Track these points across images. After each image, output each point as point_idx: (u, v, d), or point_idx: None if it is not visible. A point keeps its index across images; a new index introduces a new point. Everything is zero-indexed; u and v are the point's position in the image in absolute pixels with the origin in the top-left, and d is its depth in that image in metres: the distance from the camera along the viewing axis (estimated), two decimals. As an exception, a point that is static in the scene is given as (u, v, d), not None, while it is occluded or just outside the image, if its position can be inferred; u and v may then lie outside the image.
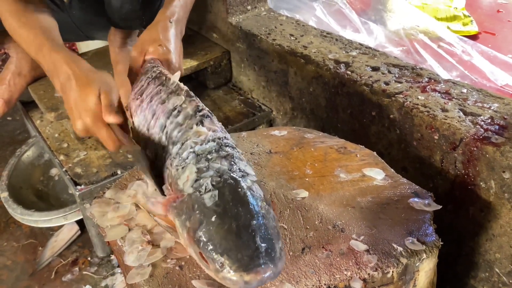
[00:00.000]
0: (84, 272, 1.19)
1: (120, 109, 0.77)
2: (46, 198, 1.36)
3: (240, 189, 0.57)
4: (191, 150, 0.62)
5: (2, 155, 1.62)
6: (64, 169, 1.17)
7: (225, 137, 0.65)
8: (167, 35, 0.89)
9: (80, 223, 1.27)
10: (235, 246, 0.52)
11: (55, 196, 1.38)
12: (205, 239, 0.54)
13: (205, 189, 0.57)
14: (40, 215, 1.22)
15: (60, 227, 1.29)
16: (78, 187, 1.12)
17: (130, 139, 0.77)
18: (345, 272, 0.62)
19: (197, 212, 0.56)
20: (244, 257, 0.51)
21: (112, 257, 1.22)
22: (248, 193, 0.57)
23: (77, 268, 1.20)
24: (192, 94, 0.73)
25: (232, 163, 0.60)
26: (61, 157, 1.21)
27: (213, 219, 0.54)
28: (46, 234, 1.31)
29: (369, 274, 0.61)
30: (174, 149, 0.65)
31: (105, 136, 0.74)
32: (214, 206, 0.55)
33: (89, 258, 1.23)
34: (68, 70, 0.77)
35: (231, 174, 0.58)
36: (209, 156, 0.61)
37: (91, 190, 1.11)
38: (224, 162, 0.60)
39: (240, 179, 0.58)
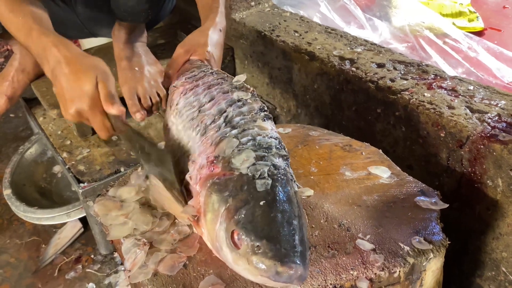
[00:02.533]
0: (87, 270, 1.19)
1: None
2: (49, 196, 1.36)
3: (290, 189, 0.59)
4: (252, 138, 0.64)
5: (5, 152, 1.62)
6: (67, 167, 1.17)
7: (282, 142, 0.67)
8: (214, 42, 0.92)
9: (83, 220, 1.27)
10: (276, 235, 0.53)
11: (58, 194, 1.38)
12: (247, 219, 0.54)
13: (260, 175, 0.58)
14: (43, 212, 1.21)
15: (63, 224, 1.29)
16: (81, 184, 1.11)
17: (125, 127, 0.77)
18: (351, 272, 0.61)
19: (245, 192, 0.57)
20: (283, 249, 0.52)
21: (115, 254, 1.22)
22: (295, 195, 0.59)
23: (80, 266, 1.20)
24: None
25: (287, 165, 0.63)
26: (64, 155, 1.21)
27: (261, 203, 0.55)
28: (49, 231, 1.30)
29: (375, 273, 0.60)
30: (233, 131, 0.66)
31: (100, 124, 0.74)
32: (265, 193, 0.56)
33: (92, 256, 1.22)
34: (58, 54, 0.76)
35: (285, 173, 0.60)
36: (268, 150, 0.62)
37: (94, 188, 1.11)
38: (281, 161, 0.62)
39: (291, 181, 0.61)
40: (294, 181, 0.62)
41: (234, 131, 0.65)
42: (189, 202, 0.64)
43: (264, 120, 0.68)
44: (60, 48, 0.76)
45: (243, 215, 0.55)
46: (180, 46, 0.92)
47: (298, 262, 0.51)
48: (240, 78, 0.78)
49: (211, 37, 0.91)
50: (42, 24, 0.82)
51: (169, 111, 0.81)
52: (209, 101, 0.73)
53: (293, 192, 0.59)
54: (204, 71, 0.83)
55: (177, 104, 0.79)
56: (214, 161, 0.63)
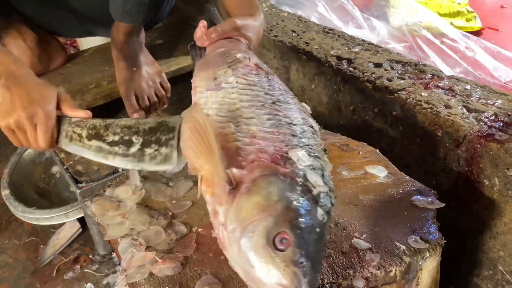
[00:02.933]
0: (86, 270, 1.19)
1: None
2: (47, 196, 1.36)
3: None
4: (321, 169, 0.60)
5: (3, 153, 1.62)
6: (65, 167, 1.17)
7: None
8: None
9: (82, 220, 1.27)
10: (318, 268, 0.53)
11: (57, 194, 1.38)
12: (304, 233, 0.52)
13: (323, 205, 0.56)
14: (42, 212, 1.21)
15: (61, 225, 1.29)
16: (79, 184, 1.11)
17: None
18: (347, 271, 0.61)
19: (308, 209, 0.54)
20: (314, 281, 0.51)
21: (114, 255, 1.22)
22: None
23: (78, 266, 1.20)
24: None
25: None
26: (62, 155, 1.21)
27: (317, 230, 0.54)
28: (48, 232, 1.30)
29: (371, 272, 0.61)
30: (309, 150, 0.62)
31: (49, 134, 0.74)
32: (322, 224, 0.55)
33: (90, 256, 1.22)
34: (15, 70, 0.75)
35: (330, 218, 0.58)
36: (330, 190, 0.59)
37: (92, 188, 1.11)
38: (330, 205, 0.59)
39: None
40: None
41: (310, 150, 0.62)
42: (234, 169, 0.57)
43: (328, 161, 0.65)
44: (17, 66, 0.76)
45: (302, 226, 0.52)
46: (235, 22, 0.88)
47: None
48: (306, 106, 0.75)
49: (260, 26, 0.92)
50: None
51: (226, 69, 0.75)
52: (284, 102, 0.69)
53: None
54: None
55: (244, 75, 0.73)
56: (284, 159, 0.58)
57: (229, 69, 0.74)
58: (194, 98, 0.75)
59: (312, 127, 0.68)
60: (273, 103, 0.67)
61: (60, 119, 0.75)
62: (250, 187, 0.55)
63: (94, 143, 0.72)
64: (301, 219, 0.53)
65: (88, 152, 0.73)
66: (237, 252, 0.53)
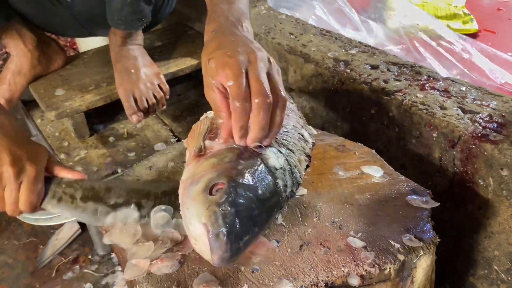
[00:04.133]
0: (85, 270, 1.20)
1: None
2: (47, 197, 1.37)
3: (279, 211, 0.65)
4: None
5: (3, 154, 1.62)
6: (64, 168, 1.17)
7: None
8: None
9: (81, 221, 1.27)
10: (243, 222, 0.56)
11: (56, 195, 1.38)
12: (239, 191, 0.56)
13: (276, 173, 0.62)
14: (41, 213, 1.21)
15: (61, 225, 1.30)
16: (79, 185, 1.12)
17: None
18: (342, 269, 0.62)
19: (255, 176, 0.59)
20: (235, 232, 0.55)
21: (113, 255, 1.22)
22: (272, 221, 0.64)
23: (77, 266, 1.21)
24: None
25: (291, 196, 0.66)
26: (62, 156, 1.22)
27: (258, 194, 0.58)
28: (47, 232, 1.31)
29: (366, 270, 0.62)
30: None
31: (36, 194, 0.66)
32: (266, 192, 0.59)
33: (89, 256, 1.23)
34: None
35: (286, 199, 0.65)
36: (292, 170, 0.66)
37: (91, 189, 1.12)
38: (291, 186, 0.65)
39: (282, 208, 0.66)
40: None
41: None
42: (206, 142, 0.65)
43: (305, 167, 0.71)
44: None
45: (239, 181, 0.57)
46: None
47: (231, 250, 0.53)
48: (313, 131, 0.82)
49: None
50: None
51: None
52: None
53: (276, 216, 0.64)
54: None
55: None
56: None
57: None
58: None
59: (302, 135, 0.74)
60: None
61: (47, 180, 0.69)
62: (213, 153, 0.62)
63: (90, 205, 0.68)
64: (241, 177, 0.57)
65: (79, 214, 0.69)
66: (182, 200, 0.58)
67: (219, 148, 0.64)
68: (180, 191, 0.60)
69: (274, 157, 0.63)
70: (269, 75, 0.62)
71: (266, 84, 0.60)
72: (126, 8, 1.09)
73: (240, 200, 0.56)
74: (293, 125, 0.75)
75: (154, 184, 0.71)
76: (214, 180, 0.57)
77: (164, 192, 0.69)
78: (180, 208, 0.59)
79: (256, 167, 0.60)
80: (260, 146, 0.62)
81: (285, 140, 0.69)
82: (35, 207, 0.68)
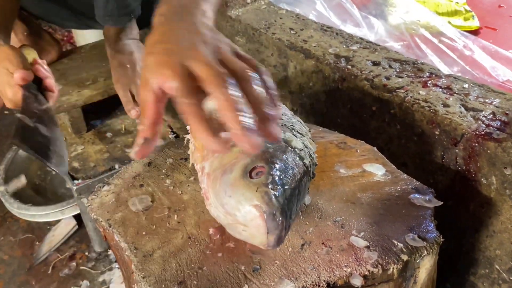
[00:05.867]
0: (82, 267, 1.18)
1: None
2: (43, 193, 1.35)
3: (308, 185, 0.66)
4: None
5: (-1, 149, 1.61)
6: (61, 163, 1.16)
7: None
8: None
9: (78, 218, 1.26)
10: (290, 199, 0.56)
11: (52, 191, 1.37)
12: (277, 171, 0.57)
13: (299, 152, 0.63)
14: (37, 209, 1.21)
15: (57, 221, 1.28)
16: (75, 181, 1.11)
17: None
18: (344, 269, 0.61)
19: (288, 160, 0.60)
20: (287, 209, 0.55)
21: (110, 252, 1.21)
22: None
23: (74, 263, 1.19)
24: None
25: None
26: (58, 151, 1.20)
27: (293, 172, 0.59)
28: (43, 228, 1.30)
29: (369, 270, 0.61)
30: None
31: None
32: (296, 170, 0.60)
33: (86, 253, 1.22)
34: None
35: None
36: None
37: (88, 185, 1.10)
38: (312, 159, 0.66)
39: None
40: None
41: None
42: (222, 134, 0.62)
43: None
44: None
45: (276, 162, 0.57)
46: None
47: (285, 229, 0.54)
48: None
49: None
50: None
51: None
52: None
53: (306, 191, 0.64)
54: None
55: None
56: None
57: None
58: None
59: (300, 122, 0.75)
60: None
61: None
62: (234, 144, 0.59)
63: None
64: (276, 158, 0.58)
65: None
66: (217, 190, 0.57)
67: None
68: (208, 183, 0.59)
69: (295, 139, 0.64)
70: (230, 58, 0.56)
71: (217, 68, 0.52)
72: (112, 3, 1.07)
73: (284, 180, 0.56)
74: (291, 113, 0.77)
75: None
76: (251, 165, 0.56)
77: None
78: (212, 201, 0.58)
79: (284, 149, 0.61)
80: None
81: (292, 125, 0.70)
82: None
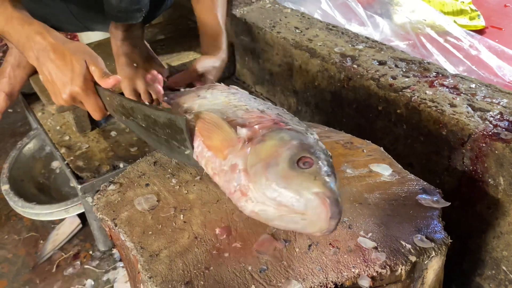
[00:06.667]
0: (86, 266, 1.18)
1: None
2: (47, 191, 1.35)
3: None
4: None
5: (3, 148, 1.61)
6: (65, 162, 1.16)
7: None
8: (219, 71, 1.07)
9: (82, 216, 1.26)
10: (336, 181, 0.58)
11: (57, 189, 1.37)
12: (323, 159, 0.59)
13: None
14: (42, 208, 1.21)
15: (61, 220, 1.28)
16: (80, 180, 1.11)
17: (116, 101, 0.80)
18: (352, 270, 0.60)
19: (314, 147, 0.61)
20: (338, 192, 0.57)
21: (114, 251, 1.21)
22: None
23: (78, 262, 1.19)
24: None
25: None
26: (63, 150, 1.20)
27: (329, 160, 0.61)
28: (48, 227, 1.30)
29: (377, 271, 0.60)
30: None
31: (94, 104, 0.77)
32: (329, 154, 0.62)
33: (90, 252, 1.22)
34: (43, 41, 0.78)
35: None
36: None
37: (92, 184, 1.10)
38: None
39: None
40: None
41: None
42: (242, 130, 0.65)
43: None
44: (45, 36, 0.78)
45: (318, 152, 0.60)
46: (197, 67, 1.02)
47: (342, 214, 0.56)
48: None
49: (221, 65, 1.06)
50: (22, 13, 0.83)
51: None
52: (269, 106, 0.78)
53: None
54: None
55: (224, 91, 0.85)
56: (280, 121, 0.67)
57: (209, 89, 0.87)
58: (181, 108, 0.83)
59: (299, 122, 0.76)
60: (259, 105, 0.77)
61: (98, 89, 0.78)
62: (262, 138, 0.63)
63: (130, 122, 0.77)
64: (314, 149, 0.61)
65: (135, 130, 0.79)
66: (264, 184, 0.58)
67: (255, 131, 0.64)
68: (247, 179, 0.60)
69: (310, 130, 0.67)
70: None
71: None
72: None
73: (331, 168, 0.59)
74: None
75: (153, 111, 0.74)
76: (296, 156, 0.58)
77: (165, 123, 0.72)
78: (255, 195, 0.59)
79: (311, 139, 0.64)
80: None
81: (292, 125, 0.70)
82: (104, 113, 0.80)
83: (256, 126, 0.66)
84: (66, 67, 0.76)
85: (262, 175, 0.58)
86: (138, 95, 1.15)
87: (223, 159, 0.65)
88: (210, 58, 1.06)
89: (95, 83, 0.78)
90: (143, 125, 0.76)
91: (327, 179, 0.56)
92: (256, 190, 0.59)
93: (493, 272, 0.91)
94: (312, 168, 0.57)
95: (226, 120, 0.68)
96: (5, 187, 1.26)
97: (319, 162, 0.58)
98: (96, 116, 0.78)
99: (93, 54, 0.79)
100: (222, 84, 0.92)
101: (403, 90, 0.98)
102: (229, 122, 0.68)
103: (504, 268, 0.89)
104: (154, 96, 1.17)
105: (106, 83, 0.76)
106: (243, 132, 0.64)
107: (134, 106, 0.76)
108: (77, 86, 0.75)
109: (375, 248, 0.63)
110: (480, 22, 1.67)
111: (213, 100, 0.80)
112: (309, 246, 0.64)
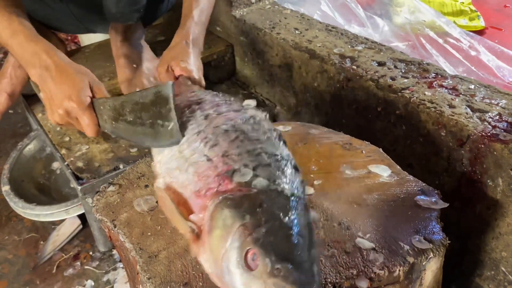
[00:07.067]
0: (86, 267, 1.18)
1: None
2: (47, 192, 1.36)
3: (309, 214, 0.56)
4: (268, 159, 0.60)
5: (4, 148, 1.61)
6: (66, 163, 1.16)
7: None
8: (185, 54, 0.94)
9: (82, 217, 1.26)
10: (299, 260, 0.50)
11: (57, 190, 1.37)
12: (267, 239, 0.51)
13: (282, 191, 0.56)
14: (42, 209, 1.21)
15: (61, 221, 1.29)
16: (80, 181, 1.11)
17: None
18: (351, 271, 0.61)
19: (265, 210, 0.53)
20: (303, 276, 0.50)
21: (114, 251, 1.21)
22: (311, 225, 0.56)
23: (78, 263, 1.19)
24: None
25: (303, 190, 0.60)
26: (63, 151, 1.20)
27: (283, 223, 0.53)
28: (48, 228, 1.30)
29: (375, 273, 0.60)
30: (249, 146, 0.62)
31: (89, 118, 0.76)
32: (286, 213, 0.54)
33: (90, 253, 1.22)
34: (48, 60, 0.79)
35: (304, 197, 0.58)
36: (285, 170, 0.60)
37: (93, 185, 1.10)
38: (299, 184, 0.59)
39: (309, 210, 0.58)
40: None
41: (250, 146, 0.62)
42: (192, 217, 0.59)
43: (282, 142, 0.66)
44: (51, 55, 0.79)
45: (262, 233, 0.51)
46: (160, 67, 0.95)
47: None
48: (251, 102, 0.78)
49: (181, 52, 0.94)
50: (28, 28, 0.84)
51: None
52: (219, 114, 0.69)
53: (310, 217, 0.56)
54: (205, 92, 0.80)
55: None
56: (228, 173, 0.59)
57: None
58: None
59: (252, 117, 0.68)
60: (206, 126, 0.67)
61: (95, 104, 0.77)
62: (210, 224, 0.56)
63: (122, 124, 0.73)
64: (260, 226, 0.52)
65: (123, 133, 0.74)
66: None
67: (204, 213, 0.58)
68: (216, 281, 0.56)
69: (261, 174, 0.58)
70: None
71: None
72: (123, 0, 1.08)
73: (283, 248, 0.51)
74: (239, 119, 0.68)
75: (143, 93, 0.71)
76: (241, 253, 0.51)
77: (151, 101, 0.69)
78: None
79: (259, 200, 0.55)
80: None
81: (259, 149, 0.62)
82: (98, 131, 0.78)
83: (201, 202, 0.59)
84: (67, 83, 0.76)
85: (221, 284, 0.54)
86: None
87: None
88: (169, 49, 0.98)
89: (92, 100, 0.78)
90: (131, 119, 0.72)
91: (278, 279, 0.49)
92: None
93: (492, 272, 0.91)
94: (259, 267, 0.50)
95: (181, 200, 0.62)
96: (6, 188, 1.27)
97: (263, 252, 0.50)
98: (89, 132, 0.78)
99: (96, 78, 0.80)
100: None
101: (402, 91, 0.98)
102: (182, 198, 0.62)
103: (503, 268, 0.89)
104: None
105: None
106: (193, 220, 0.58)
107: (124, 99, 0.73)
108: (75, 101, 0.75)
109: (373, 249, 0.63)
110: (480, 23, 1.68)
111: (169, 153, 0.70)
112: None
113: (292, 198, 0.56)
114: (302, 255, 0.51)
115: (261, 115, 0.69)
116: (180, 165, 0.65)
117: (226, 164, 0.60)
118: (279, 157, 0.61)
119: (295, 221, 0.53)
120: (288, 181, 0.58)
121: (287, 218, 0.53)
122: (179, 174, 0.64)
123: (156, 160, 0.72)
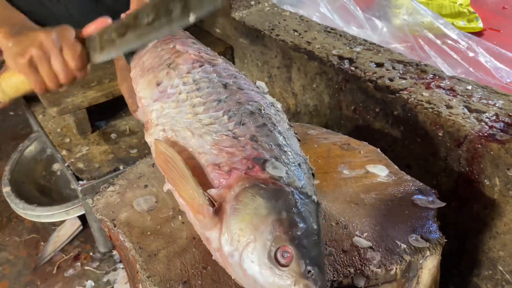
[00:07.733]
0: (86, 267, 1.19)
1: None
2: (48, 193, 1.36)
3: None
4: (296, 158, 0.61)
5: (5, 150, 1.62)
6: (66, 164, 1.17)
7: None
8: None
9: (82, 218, 1.27)
10: (323, 267, 0.53)
11: (57, 191, 1.38)
12: (303, 241, 0.52)
13: (312, 199, 0.57)
14: (42, 210, 1.22)
15: (62, 222, 1.29)
16: (80, 182, 1.12)
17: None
18: (348, 269, 0.61)
19: (300, 213, 0.54)
20: (324, 282, 0.52)
21: (114, 252, 1.22)
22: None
23: (79, 263, 1.20)
24: None
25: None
26: (64, 152, 1.21)
27: (314, 228, 0.54)
28: (48, 229, 1.31)
29: (372, 271, 0.61)
30: (279, 139, 0.61)
31: (75, 53, 0.70)
32: (316, 219, 0.56)
33: (91, 253, 1.23)
34: (23, 20, 0.79)
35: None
36: (309, 175, 0.62)
37: (93, 185, 1.11)
38: (316, 191, 0.61)
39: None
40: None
41: (280, 141, 0.61)
42: (212, 191, 0.56)
43: (298, 140, 0.67)
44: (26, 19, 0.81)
45: (299, 235, 0.52)
46: None
47: None
48: (262, 85, 0.74)
49: None
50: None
51: (167, 69, 0.72)
52: (239, 89, 0.66)
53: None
54: (217, 56, 0.77)
55: (188, 72, 0.71)
56: (258, 161, 0.57)
57: (170, 70, 0.72)
58: (142, 111, 0.73)
59: (273, 105, 0.69)
60: (227, 97, 0.65)
61: (82, 41, 0.72)
62: (235, 206, 0.54)
63: (130, 35, 0.67)
64: (296, 227, 0.52)
65: (125, 47, 0.69)
66: (242, 276, 0.53)
67: (226, 192, 0.56)
68: (226, 262, 0.55)
69: (292, 174, 0.58)
70: None
71: None
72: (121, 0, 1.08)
73: (313, 254, 0.52)
74: (261, 100, 0.67)
75: None
76: (274, 247, 0.51)
77: None
78: (239, 280, 0.55)
79: (293, 200, 0.55)
80: None
81: (276, 130, 0.63)
82: (83, 64, 0.71)
83: (225, 181, 0.57)
84: (36, 31, 0.72)
85: (238, 266, 0.53)
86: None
87: (196, 219, 0.58)
88: None
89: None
90: (151, 18, 0.65)
91: (309, 282, 0.50)
92: (234, 275, 0.55)
93: (490, 272, 0.92)
94: (291, 266, 0.50)
95: (190, 164, 0.59)
96: (7, 189, 1.27)
97: (299, 253, 0.51)
98: (74, 65, 0.70)
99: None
100: (189, 50, 0.76)
101: (400, 92, 0.99)
102: (198, 166, 0.60)
103: (500, 268, 0.89)
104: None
105: (94, 25, 0.73)
106: (213, 195, 0.56)
107: (139, 10, 0.68)
108: (62, 37, 0.69)
109: (371, 247, 0.64)
110: (478, 24, 1.69)
111: (175, 105, 0.68)
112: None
113: (319, 204, 0.58)
114: (324, 261, 0.54)
115: (279, 105, 0.70)
116: (192, 127, 0.62)
117: (256, 150, 0.58)
118: (302, 158, 0.62)
119: (320, 227, 0.55)
120: (312, 186, 0.60)
121: (315, 224, 0.55)
122: (191, 137, 0.61)
123: (150, 107, 0.68)
